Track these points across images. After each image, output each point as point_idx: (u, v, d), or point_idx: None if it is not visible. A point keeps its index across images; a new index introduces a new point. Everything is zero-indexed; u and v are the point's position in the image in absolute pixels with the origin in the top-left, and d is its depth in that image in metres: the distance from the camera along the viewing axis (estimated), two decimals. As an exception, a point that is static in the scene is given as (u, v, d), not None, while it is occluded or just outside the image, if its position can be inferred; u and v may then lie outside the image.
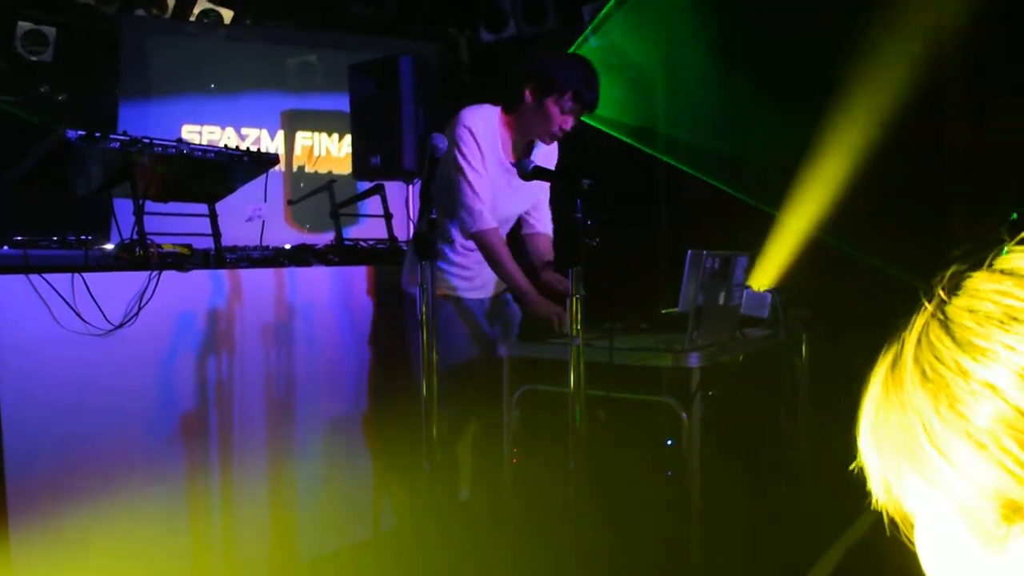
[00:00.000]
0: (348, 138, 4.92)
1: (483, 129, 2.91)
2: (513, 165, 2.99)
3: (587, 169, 3.14)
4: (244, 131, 5.65)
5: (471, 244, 2.98)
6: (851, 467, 0.63)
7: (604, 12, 4.85)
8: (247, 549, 2.97)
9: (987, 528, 0.51)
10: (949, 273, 0.56)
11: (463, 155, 2.86)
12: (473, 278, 3.09)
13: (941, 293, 0.56)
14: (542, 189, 3.17)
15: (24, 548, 2.34)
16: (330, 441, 3.22)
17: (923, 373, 0.54)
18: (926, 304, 0.56)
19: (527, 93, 2.86)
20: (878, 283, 4.14)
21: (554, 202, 3.23)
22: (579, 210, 2.27)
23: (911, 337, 0.56)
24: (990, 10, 3.89)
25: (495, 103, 3.00)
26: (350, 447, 3.31)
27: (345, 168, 5.06)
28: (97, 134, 2.60)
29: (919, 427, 0.53)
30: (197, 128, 5.53)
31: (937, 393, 0.52)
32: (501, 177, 2.99)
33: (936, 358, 0.53)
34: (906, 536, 0.58)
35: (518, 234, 3.23)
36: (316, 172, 5.69)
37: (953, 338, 0.53)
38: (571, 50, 4.91)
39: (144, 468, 2.66)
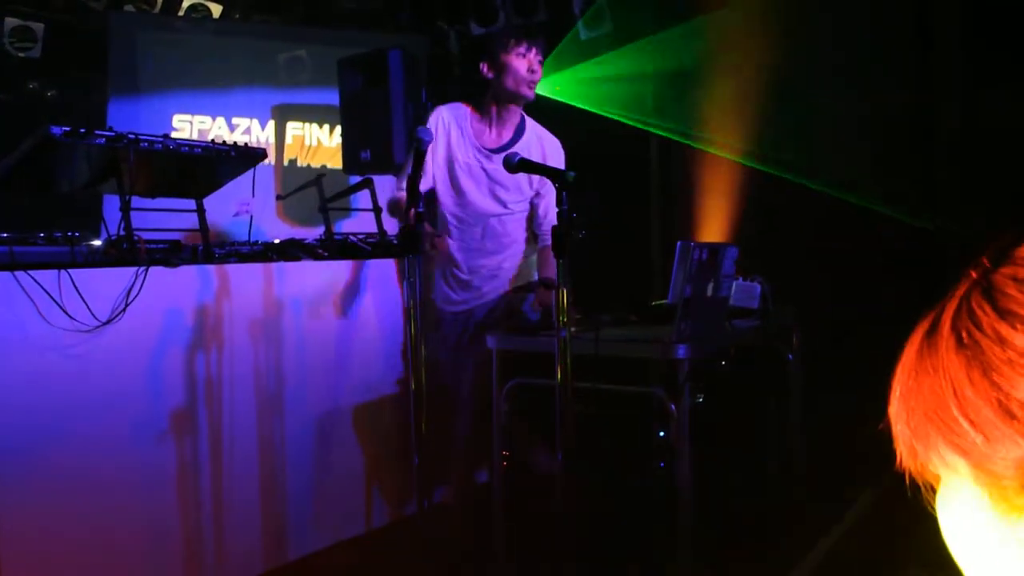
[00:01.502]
0: (339, 129, 4.90)
1: (448, 117, 3.09)
2: (491, 151, 3.05)
3: (579, 162, 3.18)
4: (235, 121, 5.62)
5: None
6: (878, 428, 0.61)
7: (596, 5, 4.83)
8: (237, 546, 2.97)
9: (1009, 497, 0.51)
10: (998, 243, 0.55)
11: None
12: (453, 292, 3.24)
13: (986, 261, 0.54)
14: (538, 185, 3.16)
15: (10, 547, 2.33)
16: (321, 436, 3.22)
17: (959, 339, 0.53)
18: (971, 272, 0.55)
19: (484, 69, 3.05)
20: (870, 271, 4.14)
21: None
22: (564, 202, 2.26)
23: (951, 303, 0.55)
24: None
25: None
26: (341, 442, 3.31)
27: (338, 160, 5.05)
28: (82, 130, 2.58)
29: (950, 392, 0.52)
30: (188, 118, 5.50)
31: (971, 360, 0.52)
32: (475, 161, 3.11)
33: (975, 325, 0.52)
34: (927, 502, 0.58)
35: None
36: (309, 165, 5.68)
37: (994, 306, 0.52)
38: (561, 43, 4.90)
39: (133, 465, 2.65)
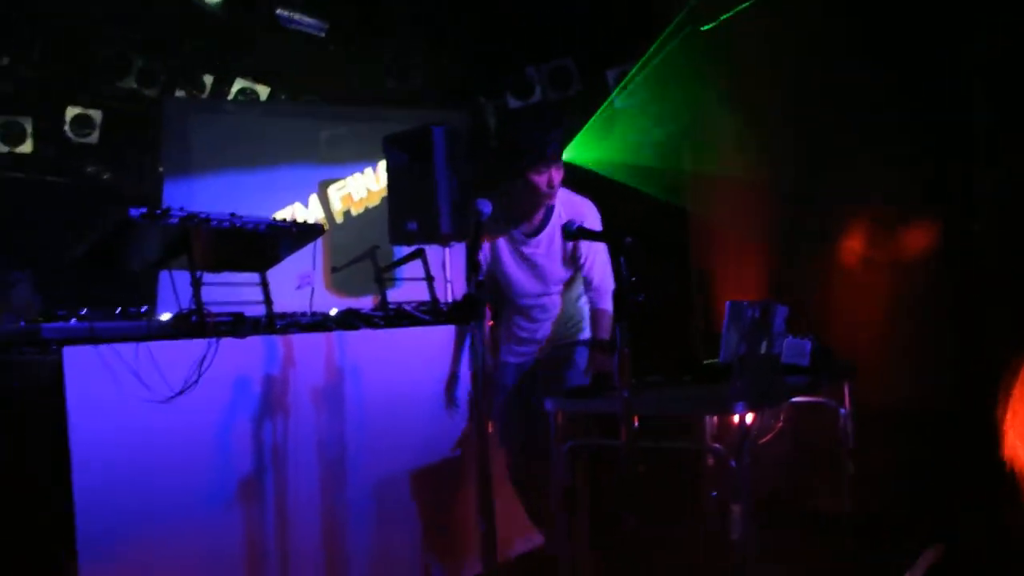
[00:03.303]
0: (382, 164, 5.01)
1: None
2: (527, 236, 3.18)
3: (618, 223, 3.29)
4: (276, 215, 5.82)
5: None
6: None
7: (629, 77, 5.01)
8: (303, 612, 3.00)
9: None
10: None
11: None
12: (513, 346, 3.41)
13: None
14: (581, 256, 3.26)
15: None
16: (381, 501, 3.27)
17: None
18: None
19: (514, 173, 3.16)
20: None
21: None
22: (624, 268, 2.35)
23: None
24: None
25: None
26: (400, 507, 3.35)
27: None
28: (158, 211, 2.73)
29: None
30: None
31: None
32: (510, 254, 3.31)
33: None
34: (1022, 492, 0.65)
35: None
36: (367, 209, 5.81)
37: None
38: (597, 113, 5.07)
39: (204, 533, 2.72)
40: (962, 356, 4.37)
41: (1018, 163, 4.26)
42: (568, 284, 3.37)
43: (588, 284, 3.30)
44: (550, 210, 3.26)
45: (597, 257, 3.26)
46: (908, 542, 3.72)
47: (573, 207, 3.26)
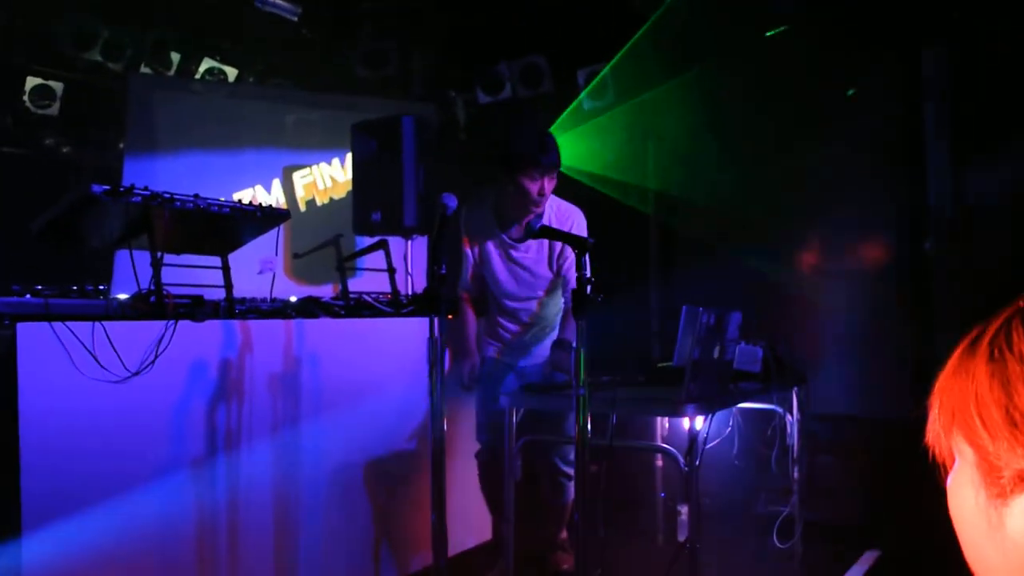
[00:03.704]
0: (349, 156, 4.98)
1: (471, 218, 3.37)
2: (516, 240, 3.23)
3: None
4: (237, 196, 5.75)
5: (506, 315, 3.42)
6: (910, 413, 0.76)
7: (599, 77, 5.05)
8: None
9: (1000, 484, 0.63)
10: None
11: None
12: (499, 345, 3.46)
13: None
14: (561, 260, 3.30)
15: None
16: (334, 490, 3.28)
17: (991, 353, 0.65)
18: (1019, 302, 0.67)
19: (504, 176, 3.18)
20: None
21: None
22: (585, 267, 2.39)
23: (996, 322, 0.67)
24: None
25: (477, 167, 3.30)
26: (353, 496, 3.37)
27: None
28: (121, 189, 2.70)
29: (972, 394, 0.65)
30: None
31: (995, 372, 0.64)
32: (499, 256, 3.34)
33: (1007, 344, 0.64)
34: (941, 479, 0.71)
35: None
36: (332, 199, 5.79)
37: None
38: (565, 112, 5.11)
39: (154, 514, 2.70)
40: (911, 366, 4.50)
41: (970, 180, 4.39)
42: (553, 289, 3.40)
43: (564, 286, 3.34)
44: (540, 216, 3.28)
45: (572, 259, 3.31)
46: (852, 547, 3.83)
47: (562, 213, 3.31)
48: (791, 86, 4.59)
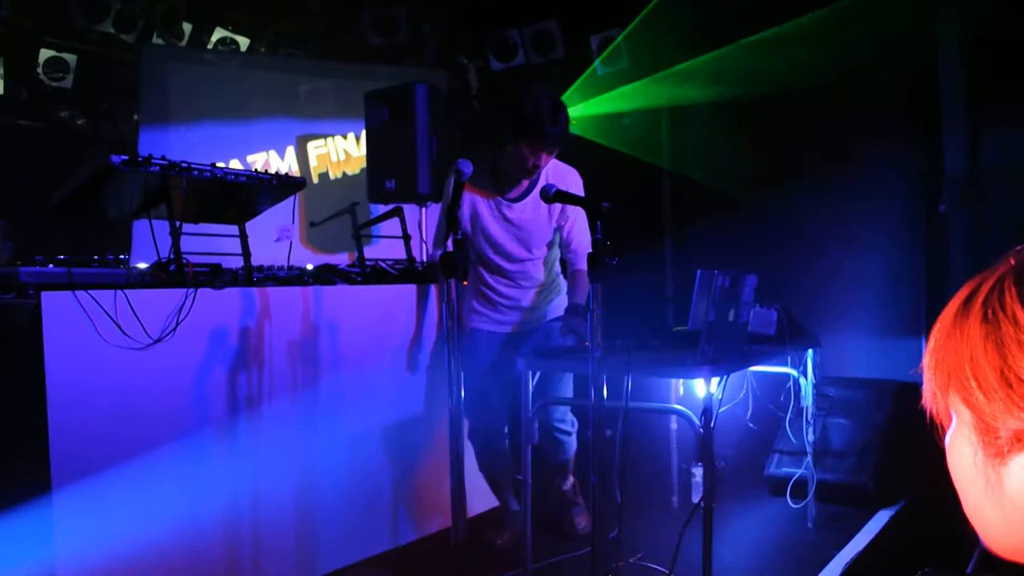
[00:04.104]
0: (364, 134, 4.97)
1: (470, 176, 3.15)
2: (512, 201, 3.19)
3: (597, 192, 3.32)
4: (250, 159, 5.78)
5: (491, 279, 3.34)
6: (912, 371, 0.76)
7: (614, 44, 5.01)
8: (271, 557, 3.07)
9: (998, 444, 0.65)
10: None
11: (443, 199, 3.23)
12: (490, 312, 3.39)
13: None
14: (560, 219, 3.29)
15: (69, 544, 2.46)
16: (353, 452, 3.34)
17: (985, 314, 0.66)
18: (1011, 258, 0.67)
19: (507, 137, 3.10)
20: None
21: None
22: (599, 231, 2.40)
23: (990, 280, 0.67)
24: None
25: (489, 131, 3.23)
26: (371, 459, 3.43)
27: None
28: (140, 158, 2.73)
29: (968, 355, 0.66)
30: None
31: (990, 333, 0.65)
32: (493, 215, 3.26)
33: (1000, 304, 0.65)
34: (939, 439, 0.72)
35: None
36: (344, 173, 5.80)
37: (1020, 292, 0.64)
38: (580, 79, 5.09)
39: (176, 476, 2.77)
40: (925, 329, 4.51)
41: (986, 143, 4.36)
42: (547, 250, 3.39)
43: (567, 247, 3.34)
44: (536, 179, 3.27)
45: (578, 220, 3.31)
46: (865, 508, 3.87)
47: (558, 173, 3.29)
48: (807, 50, 4.54)
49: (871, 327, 4.67)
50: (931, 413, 0.72)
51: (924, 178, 4.56)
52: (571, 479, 3.60)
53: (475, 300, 3.44)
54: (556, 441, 3.40)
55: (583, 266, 3.26)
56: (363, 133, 4.77)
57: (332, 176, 5.90)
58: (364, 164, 5.59)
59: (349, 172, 5.89)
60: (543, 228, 3.29)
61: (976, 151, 4.39)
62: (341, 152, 5.94)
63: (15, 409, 2.51)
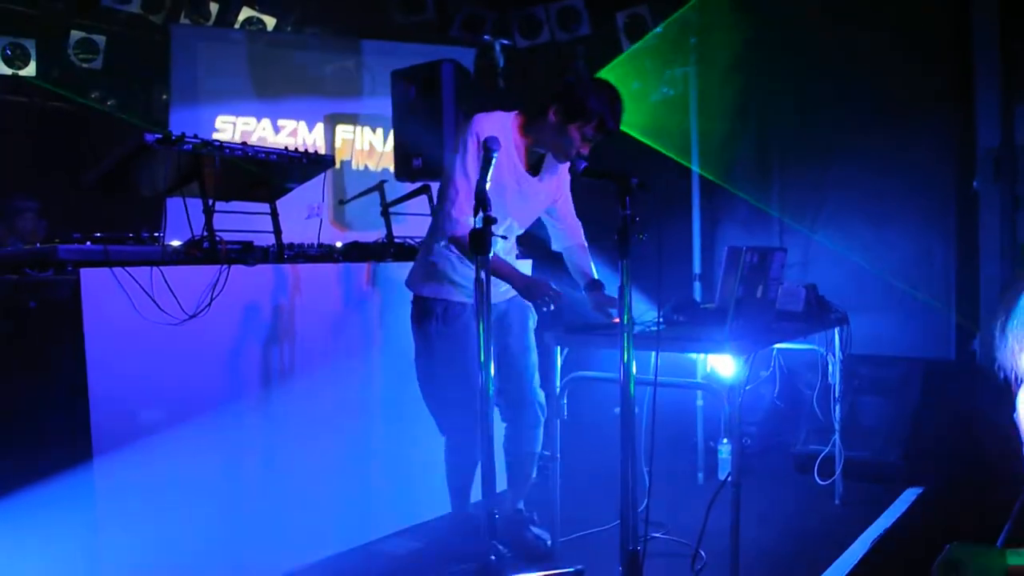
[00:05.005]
0: (392, 134, 4.97)
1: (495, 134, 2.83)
2: (528, 174, 3.08)
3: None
4: (281, 123, 5.80)
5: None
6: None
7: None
8: (303, 527, 3.13)
9: None
10: None
11: (463, 163, 2.93)
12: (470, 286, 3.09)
13: None
14: (556, 195, 3.25)
15: (109, 510, 2.55)
16: (384, 424, 3.39)
17: None
18: None
19: (551, 113, 2.93)
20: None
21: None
22: (628, 207, 2.41)
23: None
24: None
25: (518, 108, 3.10)
26: (402, 432, 3.47)
27: (388, 164, 5.20)
28: (173, 137, 2.77)
29: None
30: (231, 119, 5.69)
31: None
32: (513, 182, 3.05)
33: None
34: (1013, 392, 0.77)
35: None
36: (366, 167, 5.84)
37: None
38: (613, 62, 5.04)
39: (213, 443, 2.83)
40: (954, 306, 4.48)
41: (1020, 119, 4.30)
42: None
43: (562, 220, 3.27)
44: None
45: (569, 195, 3.28)
46: (893, 485, 3.87)
47: None
48: (840, 25, 4.50)
49: (900, 305, 4.65)
50: (1005, 371, 0.78)
51: (957, 152, 4.51)
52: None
53: (453, 273, 3.09)
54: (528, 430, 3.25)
55: (583, 239, 3.26)
56: (391, 132, 4.74)
57: (354, 166, 5.91)
58: (388, 164, 5.62)
59: (371, 167, 5.90)
60: (544, 204, 3.22)
61: (1010, 127, 4.34)
62: (367, 143, 5.95)
63: (60, 381, 2.57)
